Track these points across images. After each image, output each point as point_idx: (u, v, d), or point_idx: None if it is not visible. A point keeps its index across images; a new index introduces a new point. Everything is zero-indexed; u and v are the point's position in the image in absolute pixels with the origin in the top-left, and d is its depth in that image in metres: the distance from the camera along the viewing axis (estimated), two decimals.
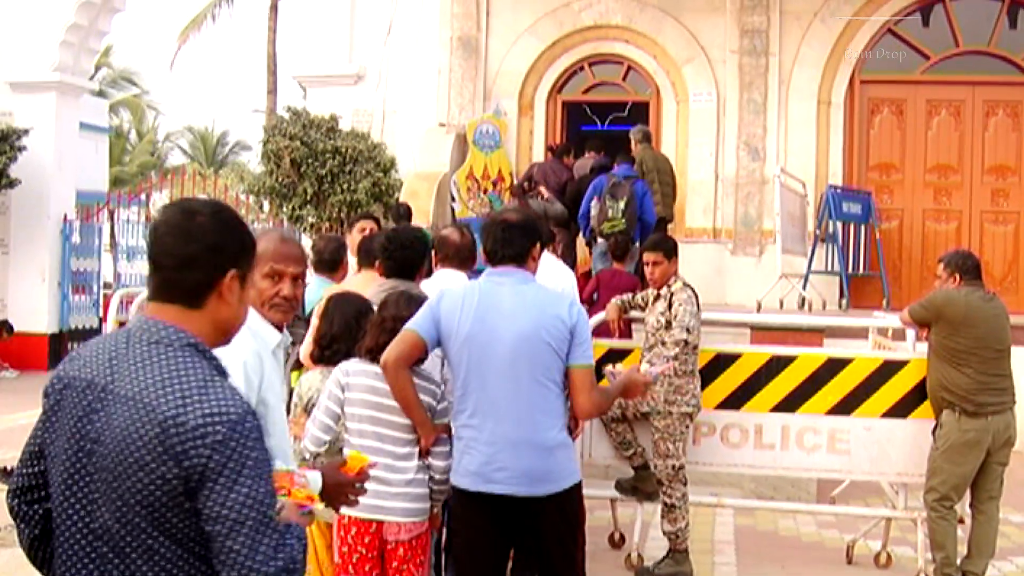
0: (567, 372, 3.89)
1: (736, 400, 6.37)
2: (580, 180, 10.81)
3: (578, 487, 4.04)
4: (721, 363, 6.37)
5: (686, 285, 6.09)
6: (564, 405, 3.95)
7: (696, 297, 6.08)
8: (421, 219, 12.18)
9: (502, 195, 12.90)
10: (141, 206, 17.53)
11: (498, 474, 3.85)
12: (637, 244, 9.21)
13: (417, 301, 4.14)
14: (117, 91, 35.59)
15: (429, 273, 5.23)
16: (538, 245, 4.13)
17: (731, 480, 7.58)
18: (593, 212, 9.91)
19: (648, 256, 6.19)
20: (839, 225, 11.72)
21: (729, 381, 6.36)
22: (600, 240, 9.82)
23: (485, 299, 3.92)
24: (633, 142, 10.85)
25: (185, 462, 1.93)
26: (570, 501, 3.99)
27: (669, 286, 6.11)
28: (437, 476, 4.10)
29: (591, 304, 8.67)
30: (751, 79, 12.84)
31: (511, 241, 4.01)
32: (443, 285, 4.66)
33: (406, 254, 4.91)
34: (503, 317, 3.88)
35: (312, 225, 12.84)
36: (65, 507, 2.05)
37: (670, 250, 6.19)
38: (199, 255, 2.08)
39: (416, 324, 3.95)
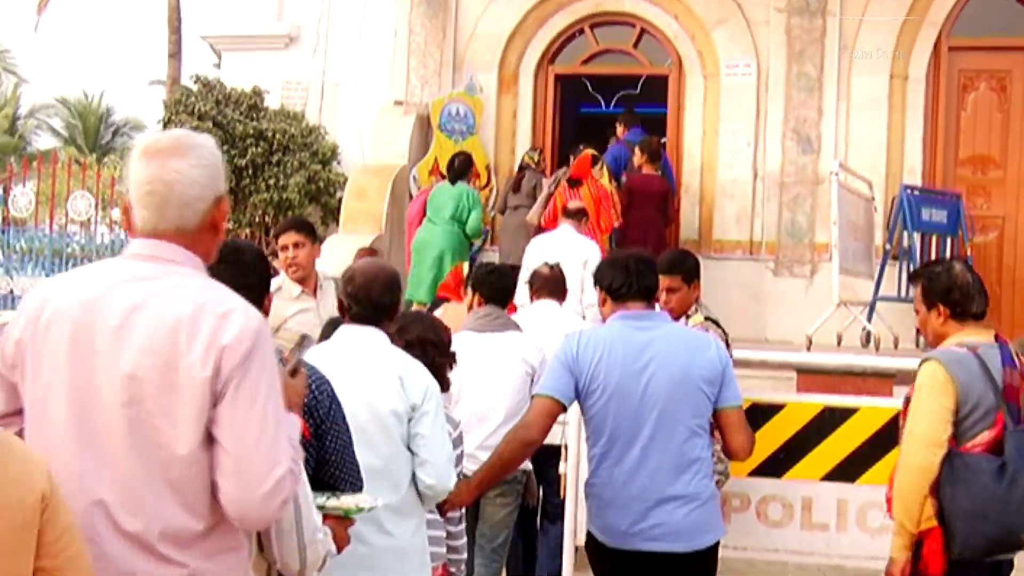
0: (716, 415, 4.68)
1: (777, 465, 6.37)
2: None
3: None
4: (758, 416, 6.35)
5: (708, 319, 6.11)
6: (711, 451, 4.73)
7: (725, 335, 6.10)
8: (372, 225, 12.25)
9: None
10: None
11: (655, 531, 4.61)
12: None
13: (430, 321, 4.99)
14: None
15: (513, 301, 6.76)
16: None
17: (771, 570, 7.63)
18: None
19: (664, 281, 6.06)
20: (917, 238, 11.75)
21: (768, 440, 6.34)
22: None
23: (629, 348, 4.66)
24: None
25: None
26: (716, 553, 4.81)
27: (688, 317, 6.13)
28: (456, 536, 4.96)
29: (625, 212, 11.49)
30: (802, 47, 12.90)
31: (643, 275, 4.80)
32: (539, 316, 6.12)
33: (497, 281, 6.39)
34: (653, 364, 4.62)
35: (228, 232, 12.87)
36: None
37: (690, 272, 6.19)
38: None
39: (552, 390, 4.70)
